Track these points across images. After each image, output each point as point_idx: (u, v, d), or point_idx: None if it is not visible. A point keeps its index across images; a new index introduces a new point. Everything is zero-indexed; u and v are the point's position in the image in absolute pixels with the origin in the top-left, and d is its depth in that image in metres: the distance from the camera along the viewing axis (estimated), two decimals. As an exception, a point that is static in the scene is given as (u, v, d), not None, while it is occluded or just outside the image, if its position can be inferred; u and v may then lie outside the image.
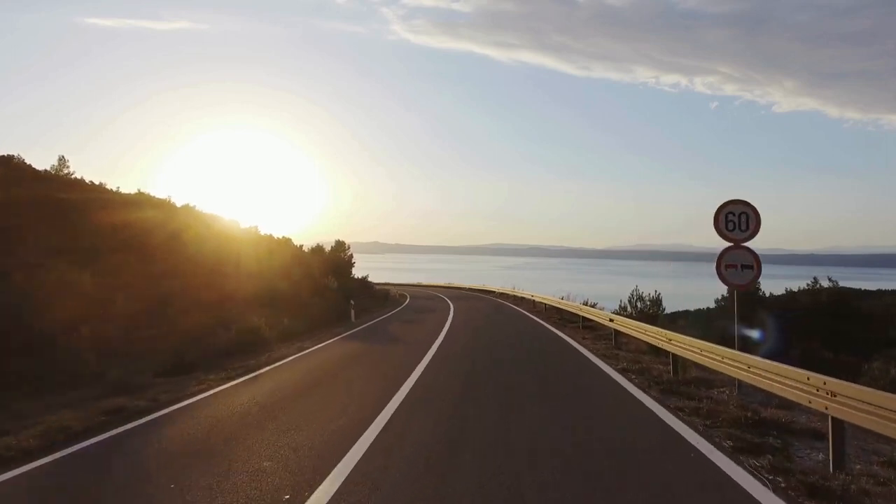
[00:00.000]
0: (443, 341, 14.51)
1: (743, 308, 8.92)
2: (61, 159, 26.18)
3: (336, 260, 54.36)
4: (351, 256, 61.04)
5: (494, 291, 42.95)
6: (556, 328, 18.01)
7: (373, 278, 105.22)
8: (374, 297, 37.50)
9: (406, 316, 23.62)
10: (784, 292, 30.38)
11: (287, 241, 47.22)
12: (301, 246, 45.39)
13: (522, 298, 30.92)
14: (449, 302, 33.06)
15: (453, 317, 21.47)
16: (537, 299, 26.03)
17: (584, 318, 17.67)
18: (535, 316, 22.30)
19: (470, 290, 53.24)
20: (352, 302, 21.45)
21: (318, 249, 57.01)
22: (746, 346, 9.36)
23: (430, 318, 21.28)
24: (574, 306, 19.43)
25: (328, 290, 24.62)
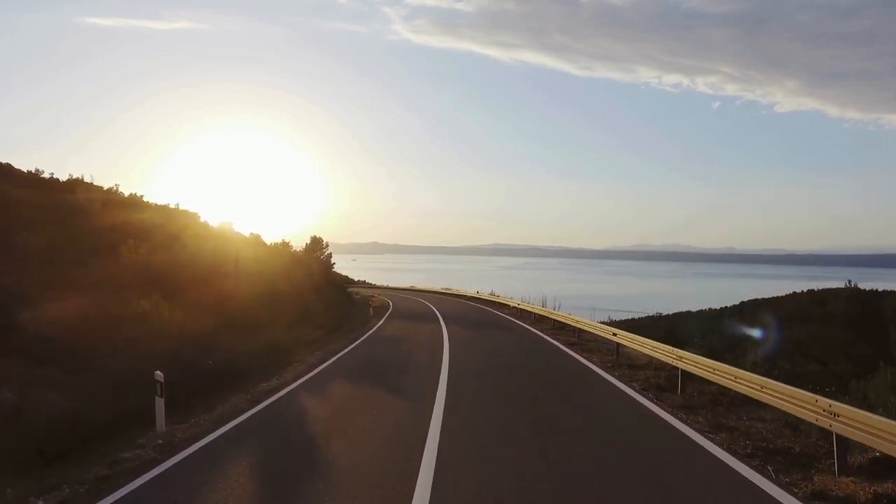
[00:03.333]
0: None
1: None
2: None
3: (312, 261, 43.03)
4: (329, 256, 50.97)
5: (509, 306, 29.68)
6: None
7: (370, 279, 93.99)
8: (332, 314, 24.38)
9: (319, 408, 9.90)
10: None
11: (256, 239, 40.97)
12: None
13: (578, 330, 17.56)
14: (443, 331, 19.88)
15: (445, 419, 8.18)
16: (626, 342, 12.61)
17: None
18: (670, 414, 8.80)
19: (474, 299, 39.96)
20: (159, 380, 7.86)
21: (282, 247, 47.11)
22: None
23: (381, 428, 8.10)
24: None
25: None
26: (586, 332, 16.64)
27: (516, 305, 28.00)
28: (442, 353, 14.71)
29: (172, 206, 44.99)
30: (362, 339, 19.08)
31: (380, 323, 25.04)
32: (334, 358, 14.60)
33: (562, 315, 19.56)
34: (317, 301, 30.71)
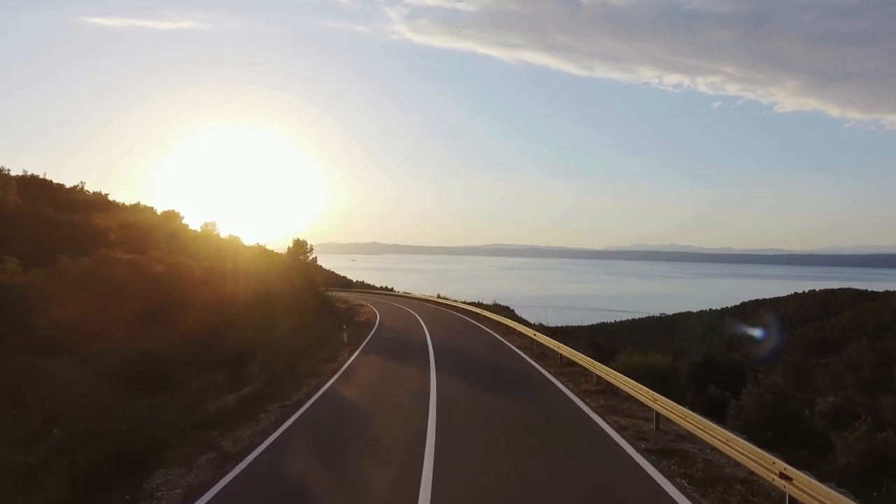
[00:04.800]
0: None
1: None
2: None
3: (297, 265, 39.74)
4: (315, 261, 44.61)
5: (523, 335, 22.56)
6: None
7: (369, 281, 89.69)
8: (292, 342, 17.06)
9: None
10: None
11: (235, 242, 38.52)
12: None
13: (651, 410, 10.54)
14: (432, 398, 12.81)
15: None
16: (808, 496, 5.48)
17: None
18: None
19: (475, 315, 32.44)
20: None
21: (258, 250, 41.99)
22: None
23: None
24: None
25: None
26: (664, 415, 9.68)
27: (533, 336, 20.93)
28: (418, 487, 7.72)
29: (143, 205, 38.27)
30: (304, 409, 12.05)
31: (349, 362, 18.16)
32: (215, 490, 7.54)
33: (618, 377, 12.11)
34: (280, 322, 23.83)
